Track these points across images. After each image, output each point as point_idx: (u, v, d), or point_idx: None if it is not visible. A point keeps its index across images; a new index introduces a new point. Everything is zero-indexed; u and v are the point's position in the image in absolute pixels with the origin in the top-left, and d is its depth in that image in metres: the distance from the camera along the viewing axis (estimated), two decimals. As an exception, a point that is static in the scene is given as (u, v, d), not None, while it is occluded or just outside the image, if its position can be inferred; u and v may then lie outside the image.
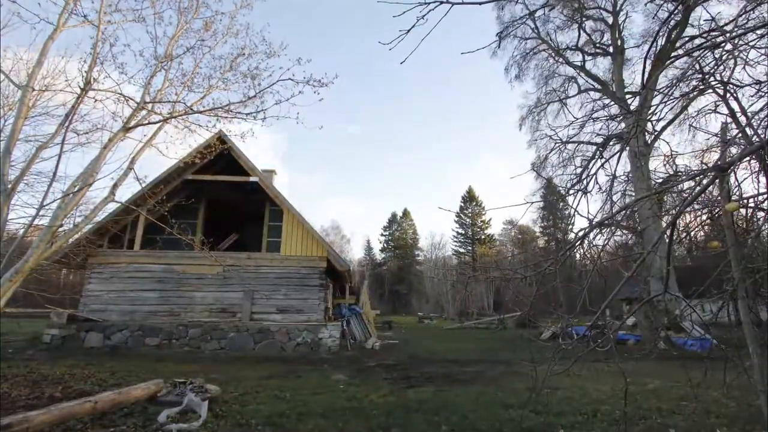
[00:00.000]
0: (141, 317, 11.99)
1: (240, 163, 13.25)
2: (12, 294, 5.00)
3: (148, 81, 6.05)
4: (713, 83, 2.88)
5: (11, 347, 10.42)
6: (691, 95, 3.27)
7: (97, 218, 6.89)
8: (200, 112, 6.23)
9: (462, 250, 58.87)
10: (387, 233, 64.22)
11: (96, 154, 5.65)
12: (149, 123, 6.02)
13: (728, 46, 2.61)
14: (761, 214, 2.65)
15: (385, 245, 64.00)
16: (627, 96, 15.99)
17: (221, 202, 15.11)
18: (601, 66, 29.34)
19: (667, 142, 4.23)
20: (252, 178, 13.20)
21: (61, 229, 5.55)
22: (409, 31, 2.25)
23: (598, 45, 18.37)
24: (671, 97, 3.05)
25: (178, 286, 12.50)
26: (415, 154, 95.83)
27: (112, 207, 10.11)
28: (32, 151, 5.90)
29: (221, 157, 13.52)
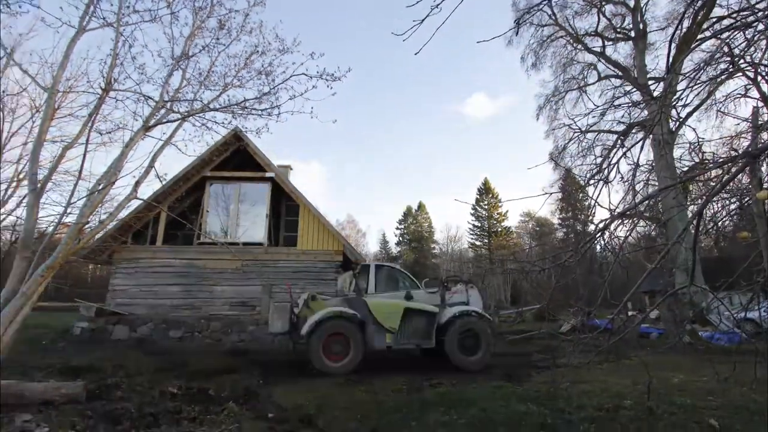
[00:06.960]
0: (164, 311, 12.37)
1: (256, 159, 13.43)
2: (44, 289, 5.23)
3: (166, 80, 6.18)
4: (743, 66, 2.75)
5: (44, 339, 10.93)
6: (719, 79, 3.14)
7: (121, 215, 7.13)
8: (217, 110, 6.33)
9: (478, 243, 58.39)
10: (402, 226, 64.15)
11: (118, 153, 5.82)
12: (168, 121, 6.16)
13: (760, 26, 2.48)
14: (795, 202, 2.53)
15: (400, 239, 63.97)
16: (650, 82, 15.38)
17: (239, 197, 15.35)
18: (622, 51, 28.28)
19: (693, 129, 4.09)
20: (268, 174, 13.37)
21: (87, 226, 5.76)
22: (423, 21, 2.22)
23: (618, 30, 17.70)
24: (698, 82, 2.92)
25: (198, 280, 12.83)
26: (431, 145, 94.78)
27: (135, 204, 10.41)
28: (59, 151, 6.11)
29: (238, 153, 13.72)
